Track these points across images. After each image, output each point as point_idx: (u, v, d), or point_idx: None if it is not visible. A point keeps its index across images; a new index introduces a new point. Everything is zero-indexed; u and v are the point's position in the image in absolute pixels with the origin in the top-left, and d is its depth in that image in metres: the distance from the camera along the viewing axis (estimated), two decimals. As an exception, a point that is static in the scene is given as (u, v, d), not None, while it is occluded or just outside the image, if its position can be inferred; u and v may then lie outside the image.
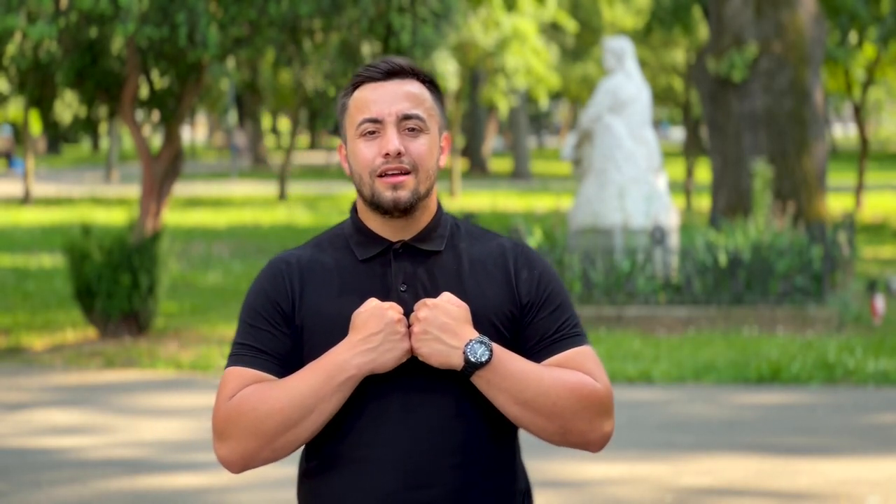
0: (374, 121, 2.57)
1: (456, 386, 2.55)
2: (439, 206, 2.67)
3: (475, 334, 2.51)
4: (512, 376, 2.52)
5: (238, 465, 2.57)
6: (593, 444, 2.61)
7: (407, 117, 2.57)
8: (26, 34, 11.08)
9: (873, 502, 6.91)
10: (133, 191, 32.81)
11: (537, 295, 2.62)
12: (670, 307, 12.80)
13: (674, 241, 13.54)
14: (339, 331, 2.55)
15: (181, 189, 33.61)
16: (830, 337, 11.79)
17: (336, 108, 2.69)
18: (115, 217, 20.94)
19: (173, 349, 11.64)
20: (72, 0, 10.95)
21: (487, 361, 2.50)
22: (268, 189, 37.16)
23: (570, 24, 37.34)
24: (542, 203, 27.90)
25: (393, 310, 2.51)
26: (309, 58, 13.01)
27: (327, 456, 2.58)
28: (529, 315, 2.61)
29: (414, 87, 2.60)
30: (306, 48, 12.70)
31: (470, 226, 2.70)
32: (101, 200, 31.24)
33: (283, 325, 2.59)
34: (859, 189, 27.39)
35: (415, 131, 2.58)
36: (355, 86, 2.62)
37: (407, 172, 2.56)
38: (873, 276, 14.98)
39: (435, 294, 2.57)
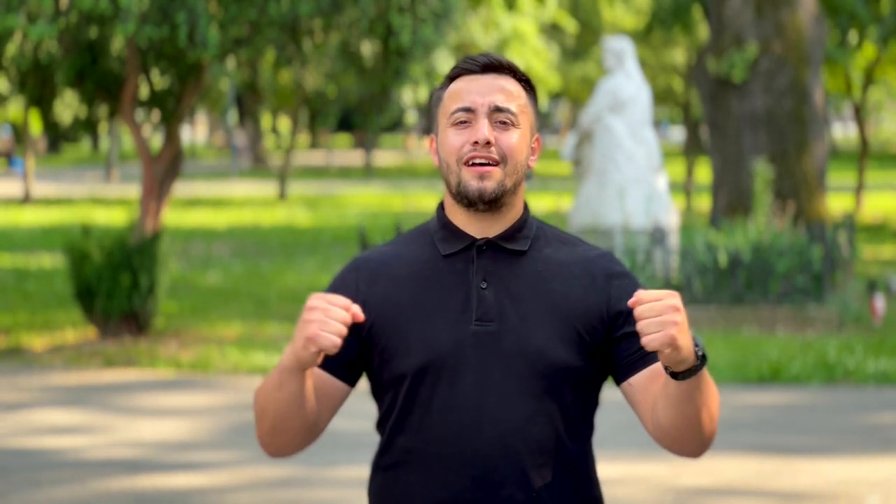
0: (467, 109, 2.56)
1: (533, 384, 2.52)
2: (526, 208, 2.65)
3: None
4: (707, 379, 2.47)
5: (270, 449, 2.61)
6: (704, 450, 2.60)
7: (499, 109, 2.56)
8: (26, 34, 11.08)
9: (873, 502, 6.91)
10: (133, 191, 32.82)
11: (627, 304, 2.56)
12: (670, 307, 12.78)
13: (674, 241, 13.53)
14: (416, 325, 2.54)
15: (181, 189, 33.61)
16: (830, 337, 11.78)
17: (432, 101, 2.69)
18: (115, 217, 20.94)
19: (173, 349, 11.64)
20: (72, 0, 10.95)
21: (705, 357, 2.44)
22: (268, 189, 37.15)
23: (570, 24, 37.37)
24: (542, 203, 27.88)
25: (316, 298, 2.40)
26: (309, 58, 13.02)
27: (399, 451, 2.57)
28: (625, 325, 2.58)
29: (509, 84, 2.60)
30: (306, 48, 12.70)
31: (556, 231, 2.68)
32: (101, 200, 31.23)
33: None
34: (859, 189, 27.39)
35: (506, 125, 2.56)
36: (452, 78, 2.62)
37: (495, 163, 2.54)
38: (873, 276, 14.98)
39: (515, 294, 2.55)
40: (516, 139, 2.57)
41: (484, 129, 2.54)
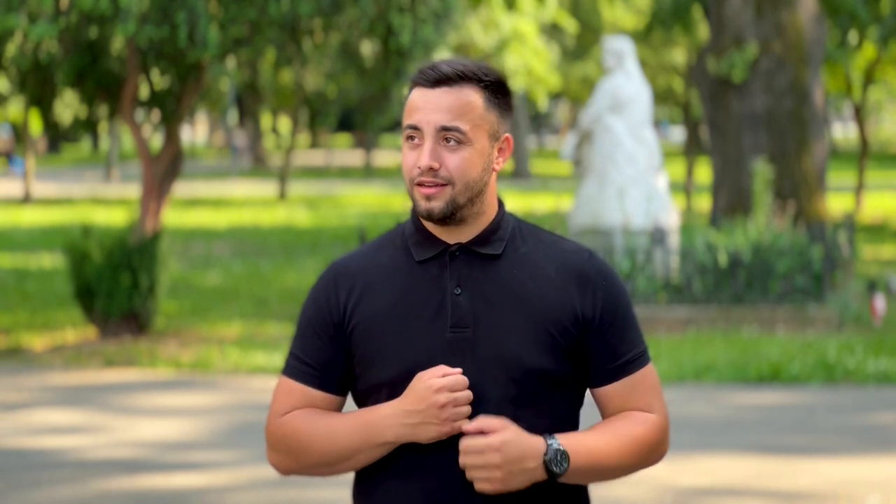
0: (414, 128, 2.52)
1: (510, 390, 2.51)
2: (501, 209, 2.61)
3: (541, 449, 2.48)
4: (587, 466, 2.52)
5: (285, 474, 2.66)
6: (652, 466, 2.67)
7: (445, 129, 2.51)
8: (27, 34, 11.09)
9: (873, 502, 6.91)
10: (133, 191, 32.81)
11: (602, 311, 2.57)
12: (670, 307, 12.80)
13: (674, 241, 13.53)
14: (392, 332, 2.53)
15: (181, 189, 33.61)
16: (830, 337, 11.78)
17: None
18: (115, 217, 20.94)
19: (173, 349, 11.65)
20: (72, 0, 10.95)
21: (567, 468, 2.49)
22: (268, 189, 37.15)
23: (570, 24, 37.38)
24: (541, 203, 27.89)
25: (441, 392, 2.45)
26: (309, 58, 13.02)
27: (380, 459, 2.56)
28: (592, 332, 2.56)
29: (464, 95, 2.53)
30: (306, 48, 12.70)
31: (536, 229, 2.64)
32: (101, 200, 31.23)
33: (333, 334, 2.58)
34: (859, 189, 27.38)
35: (453, 143, 2.51)
36: (414, 84, 2.58)
37: (442, 185, 2.51)
38: (873, 276, 14.98)
39: (490, 299, 2.53)
40: (465, 158, 2.51)
41: (426, 157, 2.49)
